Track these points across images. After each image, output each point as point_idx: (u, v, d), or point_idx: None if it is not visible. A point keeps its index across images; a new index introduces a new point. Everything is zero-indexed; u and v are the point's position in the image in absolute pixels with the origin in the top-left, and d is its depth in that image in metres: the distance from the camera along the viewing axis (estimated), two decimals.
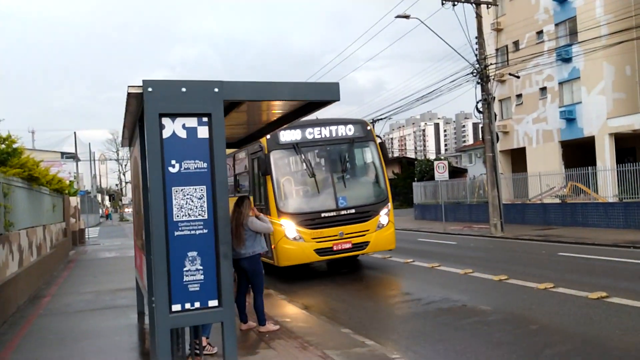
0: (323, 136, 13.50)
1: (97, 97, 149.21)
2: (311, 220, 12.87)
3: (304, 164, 13.22)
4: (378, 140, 14.22)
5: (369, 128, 14.16)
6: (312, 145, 13.49)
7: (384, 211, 13.69)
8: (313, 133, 13.40)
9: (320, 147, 13.65)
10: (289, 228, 12.74)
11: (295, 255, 12.81)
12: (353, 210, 13.21)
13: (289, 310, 10.02)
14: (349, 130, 13.74)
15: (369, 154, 14.25)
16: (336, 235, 12.95)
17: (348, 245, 13.08)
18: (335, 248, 12.95)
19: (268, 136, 11.94)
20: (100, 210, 79.30)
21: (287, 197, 13.21)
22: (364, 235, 13.28)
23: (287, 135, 13.19)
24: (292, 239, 12.73)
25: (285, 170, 13.57)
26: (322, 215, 12.94)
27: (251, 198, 12.20)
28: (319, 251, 12.87)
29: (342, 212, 13.08)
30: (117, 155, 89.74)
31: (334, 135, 13.61)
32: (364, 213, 13.37)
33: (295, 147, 13.19)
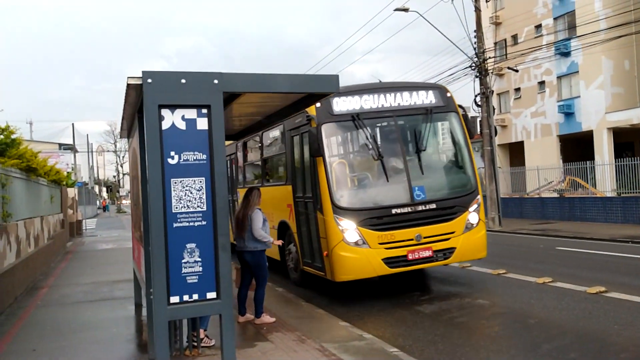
0: (390, 105, 10.13)
1: (92, 87, 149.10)
2: (378, 218, 9.49)
3: (368, 142, 9.87)
4: (461, 112, 10.78)
5: (449, 95, 10.68)
6: (377, 116, 10.15)
7: (473, 207, 10.17)
8: (377, 100, 10.08)
9: (387, 119, 10.27)
10: (349, 229, 9.31)
11: (356, 266, 9.34)
12: (434, 205, 9.75)
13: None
14: (423, 98, 10.37)
15: (451, 129, 10.78)
16: (412, 240, 9.51)
17: (427, 253, 9.61)
18: (410, 257, 9.49)
19: (318, 104, 9.40)
20: (98, 202, 78.92)
21: (345, 187, 9.92)
22: (448, 239, 9.81)
23: (344, 103, 9.88)
24: (352, 244, 9.28)
25: (341, 151, 10.71)
26: (393, 211, 9.55)
27: (288, 188, 10.79)
28: (389, 261, 9.40)
29: (420, 208, 9.67)
30: (115, 146, 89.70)
31: (405, 103, 10.23)
32: (448, 209, 9.93)
33: (355, 119, 9.80)
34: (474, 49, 24.12)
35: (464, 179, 10.53)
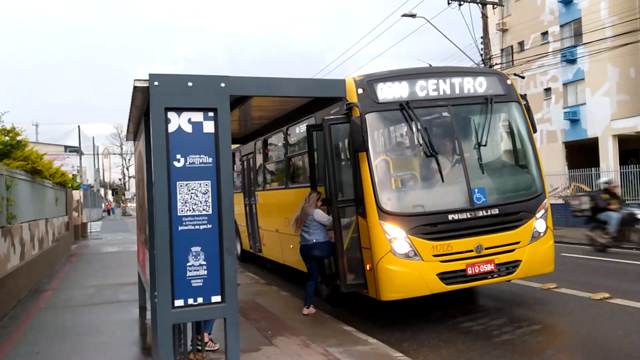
0: (444, 93, 8.62)
1: (99, 90, 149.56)
2: (432, 225, 8.01)
3: (419, 136, 8.43)
4: (523, 102, 9.33)
5: (509, 82, 9.20)
6: (429, 105, 8.60)
7: (540, 212, 8.67)
8: (429, 87, 8.56)
9: (441, 109, 8.77)
10: (398, 238, 7.82)
11: (407, 282, 7.86)
12: (496, 211, 8.32)
13: None
14: (482, 85, 8.88)
15: (513, 122, 9.31)
16: (471, 251, 8.07)
17: (490, 267, 8.16)
18: (470, 271, 8.04)
19: (360, 90, 8.16)
20: (103, 205, 78.70)
21: (392, 188, 8.41)
22: (512, 250, 8.35)
23: (390, 90, 8.37)
24: (402, 255, 7.79)
25: (388, 145, 9.13)
26: (450, 217, 8.07)
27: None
28: (445, 276, 7.94)
29: (480, 214, 8.21)
30: (121, 149, 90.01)
31: (460, 91, 8.73)
32: (513, 215, 8.45)
33: (404, 109, 8.28)
34: (481, 55, 24.12)
35: (529, 180, 9.02)
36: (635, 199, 21.90)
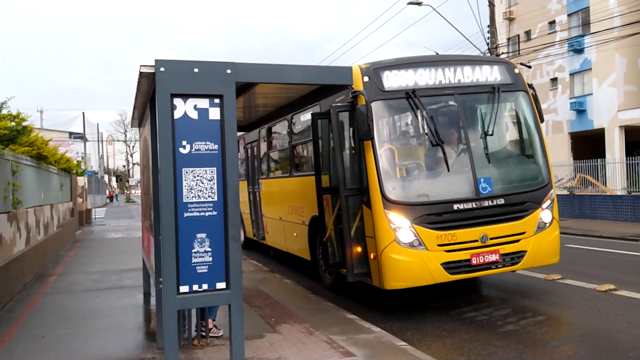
0: (450, 81, 8.59)
1: (102, 77, 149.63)
2: (437, 215, 8.00)
3: (425, 124, 8.42)
4: (531, 92, 9.18)
5: (517, 72, 9.12)
6: (435, 94, 8.61)
7: (546, 203, 8.66)
8: (435, 75, 8.52)
9: (447, 98, 8.82)
10: (403, 227, 7.85)
11: (411, 272, 7.90)
12: (502, 201, 8.31)
13: None
14: (489, 74, 8.82)
15: (521, 111, 9.21)
16: (476, 241, 8.08)
17: (494, 257, 8.18)
18: (474, 261, 8.05)
19: (366, 78, 8.13)
20: (107, 191, 78.48)
21: (398, 177, 8.42)
22: (518, 240, 8.37)
23: (396, 78, 8.33)
24: (407, 245, 7.81)
25: (393, 134, 9.03)
26: (455, 207, 8.06)
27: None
28: (449, 266, 7.96)
29: (486, 204, 8.22)
30: (125, 136, 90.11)
31: (467, 80, 8.70)
32: (519, 205, 8.43)
33: (410, 97, 8.24)
34: (487, 44, 24.01)
35: (535, 170, 8.99)
36: None
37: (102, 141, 67.74)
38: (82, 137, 58.39)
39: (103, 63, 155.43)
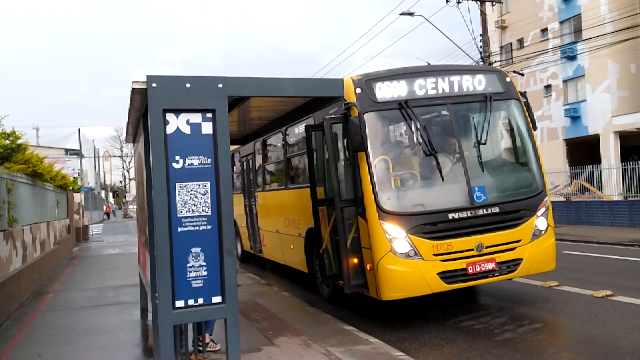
0: (443, 91, 8.62)
1: (98, 93, 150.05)
2: (432, 225, 8.01)
3: (418, 135, 8.43)
4: (523, 100, 9.27)
5: (508, 80, 9.17)
6: (428, 104, 8.59)
7: (541, 210, 8.69)
8: (427, 86, 8.55)
9: (440, 108, 8.77)
10: (398, 238, 7.85)
11: (407, 282, 7.88)
12: (496, 209, 8.31)
13: None
14: (481, 83, 8.86)
15: (513, 119, 9.23)
16: (472, 250, 8.08)
17: (490, 266, 8.17)
18: (471, 270, 8.04)
19: (358, 90, 8.17)
20: (104, 207, 77.16)
21: (392, 188, 8.32)
22: (513, 249, 8.36)
23: (388, 89, 8.37)
24: (402, 255, 7.81)
25: (387, 145, 8.84)
26: (450, 216, 8.07)
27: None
28: (446, 276, 7.95)
29: (481, 212, 8.23)
30: (121, 152, 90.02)
31: (460, 89, 8.73)
32: (514, 213, 8.44)
33: (403, 108, 8.29)
34: (480, 52, 24.12)
35: (529, 178, 9.00)
36: (637, 196, 21.89)
37: (98, 157, 67.68)
38: (78, 153, 58.36)
39: (99, 79, 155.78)
